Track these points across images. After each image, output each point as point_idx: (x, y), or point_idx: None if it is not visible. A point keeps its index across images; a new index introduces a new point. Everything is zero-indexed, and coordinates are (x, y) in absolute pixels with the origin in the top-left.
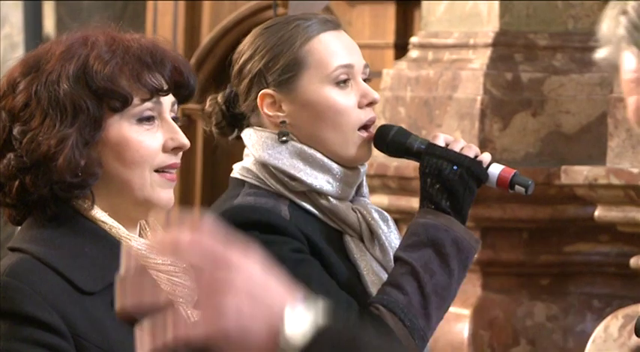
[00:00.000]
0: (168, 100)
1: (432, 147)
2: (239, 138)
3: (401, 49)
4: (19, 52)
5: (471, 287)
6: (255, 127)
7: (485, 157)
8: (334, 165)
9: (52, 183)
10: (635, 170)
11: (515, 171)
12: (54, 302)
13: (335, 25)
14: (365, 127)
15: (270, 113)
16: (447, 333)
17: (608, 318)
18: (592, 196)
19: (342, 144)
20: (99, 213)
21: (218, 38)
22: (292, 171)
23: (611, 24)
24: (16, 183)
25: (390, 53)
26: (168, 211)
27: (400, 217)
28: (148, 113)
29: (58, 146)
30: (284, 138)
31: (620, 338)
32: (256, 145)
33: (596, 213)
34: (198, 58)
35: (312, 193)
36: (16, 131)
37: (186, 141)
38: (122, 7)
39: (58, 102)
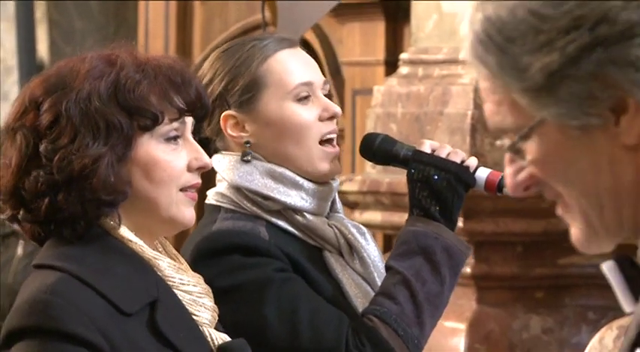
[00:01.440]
0: (190, 120)
1: (418, 154)
2: None
3: (391, 65)
4: (14, 76)
5: (466, 301)
6: (223, 152)
7: (472, 162)
8: (305, 181)
9: (84, 201)
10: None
11: (502, 173)
12: (97, 322)
13: (291, 43)
14: (329, 141)
15: (234, 134)
16: (442, 348)
17: (603, 330)
18: None
19: (308, 160)
20: (126, 232)
21: None
22: (265, 191)
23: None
24: (46, 200)
25: (381, 70)
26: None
27: (394, 233)
28: (174, 133)
29: (94, 164)
30: (246, 158)
31: (615, 349)
32: (226, 170)
33: None
34: None
35: (287, 211)
36: (43, 148)
37: (209, 161)
38: (115, 29)
39: (90, 120)
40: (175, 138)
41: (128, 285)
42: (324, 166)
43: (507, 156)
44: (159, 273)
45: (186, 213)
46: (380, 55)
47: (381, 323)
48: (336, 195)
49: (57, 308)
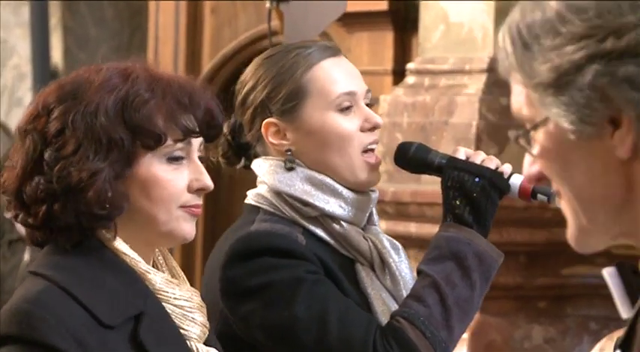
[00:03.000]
0: (197, 141)
1: (453, 160)
2: (245, 167)
3: (399, 75)
4: (28, 83)
5: None
6: (264, 157)
7: (507, 168)
8: (344, 190)
9: (78, 213)
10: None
11: None
12: (76, 334)
13: (335, 51)
14: (370, 151)
15: (275, 142)
16: None
17: (604, 340)
18: None
19: (349, 169)
20: (121, 245)
21: (219, 66)
22: (304, 197)
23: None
24: (44, 207)
25: (389, 79)
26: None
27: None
28: (178, 153)
29: (90, 179)
30: (290, 165)
31: None
32: (267, 174)
33: None
34: None
35: (324, 218)
36: (47, 155)
37: (210, 183)
38: (129, 36)
39: (94, 134)
40: (178, 158)
41: (114, 298)
42: (364, 176)
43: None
44: (150, 287)
45: (186, 228)
46: (388, 64)
47: (409, 325)
48: (374, 208)
49: (36, 318)
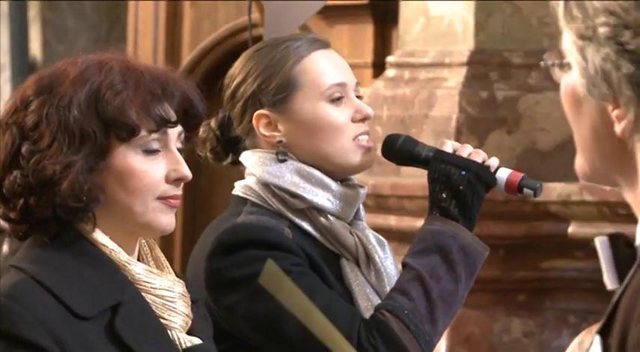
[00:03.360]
0: (175, 131)
1: (439, 153)
2: (233, 163)
3: (379, 68)
4: (6, 74)
5: None
6: (253, 149)
7: (493, 162)
8: (333, 183)
9: (54, 206)
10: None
11: (523, 174)
12: (50, 326)
13: (324, 44)
14: (359, 139)
15: (267, 133)
16: None
17: (583, 334)
18: (566, 213)
19: (342, 155)
20: (100, 236)
21: (198, 59)
22: (292, 189)
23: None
24: (21, 201)
25: (369, 72)
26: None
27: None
28: (154, 144)
29: (63, 172)
30: (282, 157)
31: None
32: (255, 166)
33: (570, 229)
34: None
35: (311, 211)
36: (24, 149)
37: (188, 173)
38: (108, 29)
39: (67, 128)
40: (154, 150)
41: (90, 289)
42: (357, 158)
43: None
44: (130, 278)
45: (163, 220)
46: (368, 57)
47: (393, 318)
48: (361, 203)
49: (10, 311)
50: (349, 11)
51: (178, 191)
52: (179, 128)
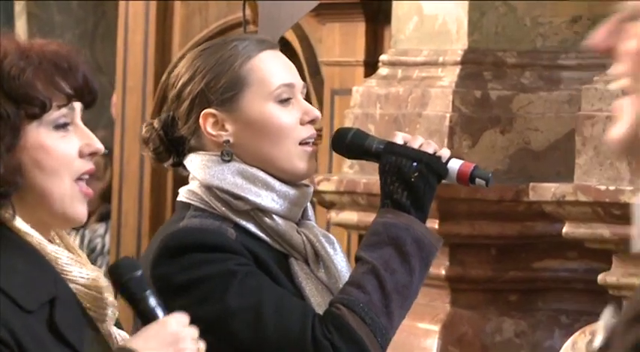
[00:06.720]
0: (79, 106)
1: (390, 145)
2: (174, 165)
3: (371, 66)
4: None
5: (440, 303)
6: (197, 152)
7: (444, 153)
8: (277, 183)
9: None
10: (602, 187)
11: (474, 164)
12: (4, 318)
13: (272, 44)
14: (307, 143)
15: (214, 132)
16: (415, 349)
17: (576, 334)
18: (560, 213)
19: (286, 159)
20: (21, 224)
21: None
22: (236, 190)
23: None
24: None
25: (361, 71)
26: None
27: None
28: (64, 119)
29: None
30: (227, 157)
31: None
32: (198, 169)
33: (564, 229)
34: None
35: (256, 213)
36: None
37: (101, 146)
38: (94, 24)
39: None
40: (65, 124)
41: (28, 282)
42: (302, 165)
43: None
44: (57, 268)
45: (79, 210)
46: (360, 55)
47: (349, 312)
48: (309, 202)
49: None
50: (341, 9)
51: (92, 165)
52: (80, 104)
